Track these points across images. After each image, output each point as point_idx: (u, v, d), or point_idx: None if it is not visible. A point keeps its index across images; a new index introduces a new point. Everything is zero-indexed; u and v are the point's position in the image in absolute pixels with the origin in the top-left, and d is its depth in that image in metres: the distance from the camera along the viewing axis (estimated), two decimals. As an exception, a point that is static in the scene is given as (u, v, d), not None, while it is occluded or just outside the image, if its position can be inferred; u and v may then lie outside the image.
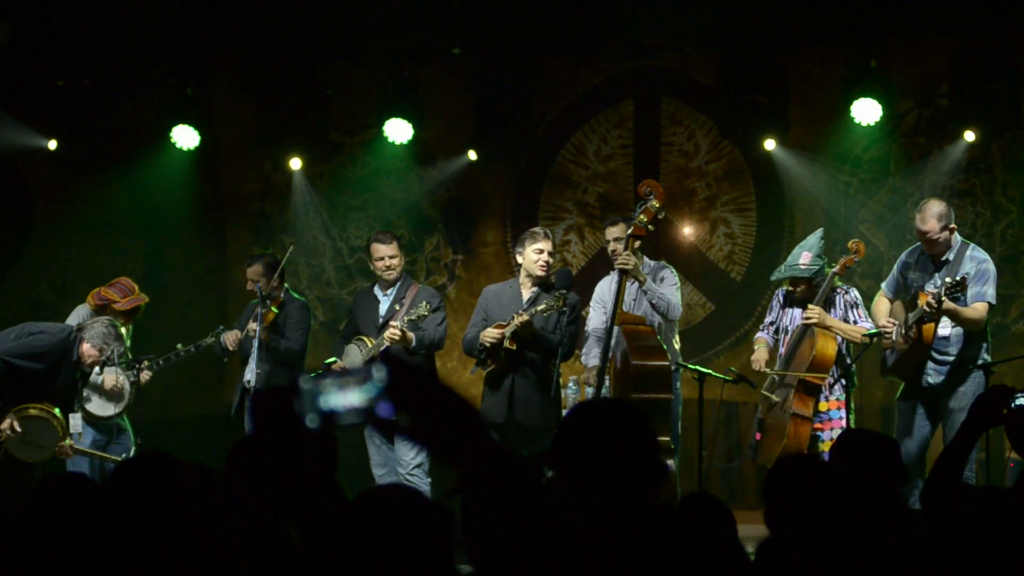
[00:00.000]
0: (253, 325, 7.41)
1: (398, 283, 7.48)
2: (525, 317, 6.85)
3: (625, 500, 2.37)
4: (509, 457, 1.52)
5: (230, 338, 7.62)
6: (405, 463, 7.25)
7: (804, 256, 7.13)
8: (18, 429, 6.93)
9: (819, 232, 7.30)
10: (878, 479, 3.35)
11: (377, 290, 7.57)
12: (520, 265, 7.20)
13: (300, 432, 1.51)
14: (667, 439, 6.69)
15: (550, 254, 7.14)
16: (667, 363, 6.78)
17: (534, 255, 7.08)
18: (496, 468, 1.51)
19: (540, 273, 7.09)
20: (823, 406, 7.04)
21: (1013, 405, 3.49)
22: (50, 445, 7.08)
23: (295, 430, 1.52)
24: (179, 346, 7.72)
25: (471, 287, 9.28)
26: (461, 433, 1.50)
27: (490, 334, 6.97)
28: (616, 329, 6.87)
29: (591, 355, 7.31)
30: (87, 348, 6.99)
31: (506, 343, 6.94)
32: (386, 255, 7.39)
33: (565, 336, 6.91)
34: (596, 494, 2.36)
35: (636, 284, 7.08)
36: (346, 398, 1.48)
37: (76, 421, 7.23)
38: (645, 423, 2.46)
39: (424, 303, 7.23)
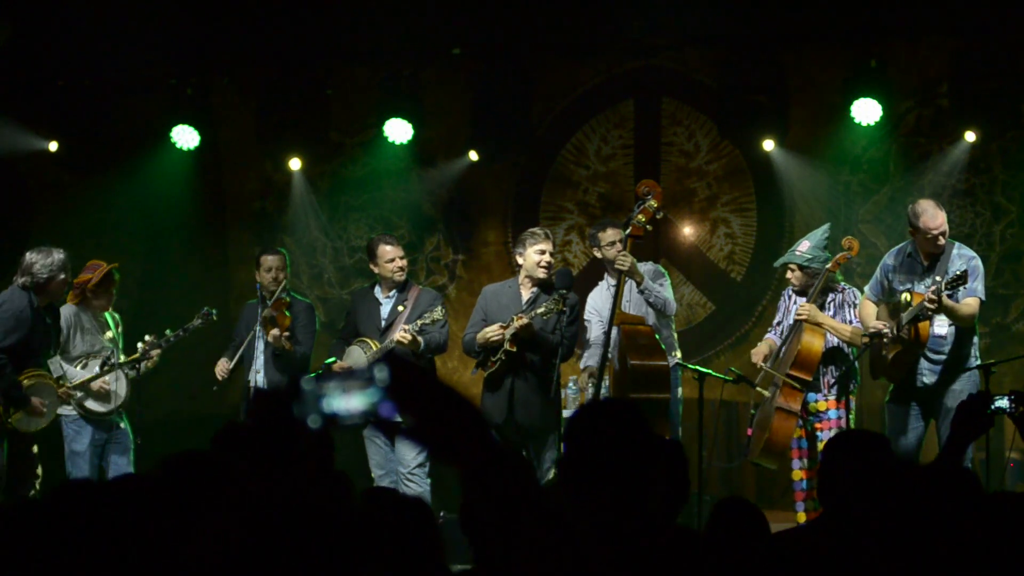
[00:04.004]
0: (275, 331, 7.40)
1: (400, 285, 7.49)
2: (525, 320, 6.85)
3: (636, 503, 2.38)
4: (511, 457, 1.52)
5: (219, 369, 7.65)
6: (406, 464, 7.25)
7: (803, 244, 7.18)
8: (44, 403, 7.10)
9: (826, 226, 7.33)
10: (871, 478, 3.36)
11: (378, 291, 7.56)
12: (520, 266, 7.19)
13: (299, 433, 1.51)
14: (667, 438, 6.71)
15: (551, 254, 7.15)
16: (665, 363, 6.80)
17: (536, 256, 7.07)
18: (497, 468, 1.50)
19: (542, 275, 7.08)
20: (823, 405, 7.04)
21: (993, 409, 3.54)
22: (53, 401, 7.18)
23: (293, 431, 1.52)
24: (168, 332, 7.72)
25: (471, 287, 9.27)
26: (463, 433, 1.49)
27: (491, 332, 6.98)
28: (615, 329, 6.88)
29: (590, 359, 7.33)
30: (53, 285, 7.05)
31: (506, 345, 6.94)
32: (396, 256, 7.41)
33: (565, 336, 6.91)
34: (605, 500, 2.37)
35: (630, 284, 7.09)
36: (348, 399, 1.47)
37: (56, 365, 7.33)
38: (639, 417, 2.49)
39: (439, 307, 7.25)
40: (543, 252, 7.07)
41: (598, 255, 7.35)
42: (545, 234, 7.17)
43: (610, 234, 7.21)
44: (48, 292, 7.15)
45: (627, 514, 2.37)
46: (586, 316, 7.50)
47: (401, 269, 7.43)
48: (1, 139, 9.08)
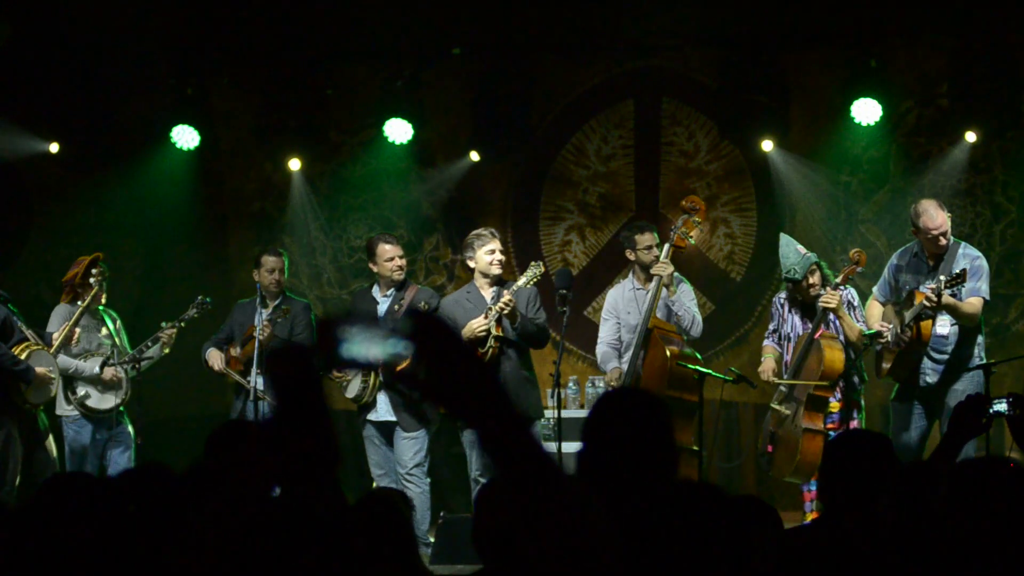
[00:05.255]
0: (267, 330, 7.40)
1: (398, 284, 7.49)
2: (509, 296, 6.93)
3: (642, 487, 2.39)
4: (525, 421, 1.54)
5: (214, 358, 7.55)
6: (404, 464, 7.26)
7: (799, 248, 7.18)
8: (49, 369, 7.13)
9: (782, 236, 7.37)
10: (872, 478, 3.38)
11: (376, 291, 7.57)
12: (472, 269, 7.28)
13: (318, 390, 1.52)
14: (692, 439, 6.86)
15: (501, 252, 7.27)
16: (701, 368, 6.99)
17: (487, 256, 7.19)
18: (510, 430, 1.52)
19: (497, 272, 7.21)
20: (834, 406, 7.05)
21: (991, 412, 3.54)
22: (53, 365, 7.19)
23: (313, 389, 1.52)
24: (163, 324, 7.74)
25: (471, 287, 9.27)
26: (480, 391, 1.50)
27: (475, 324, 6.98)
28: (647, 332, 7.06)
29: (609, 363, 7.35)
30: None
31: (493, 330, 6.99)
32: (396, 255, 7.42)
33: (535, 321, 7.05)
34: (615, 481, 2.38)
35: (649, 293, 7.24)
36: (369, 347, 1.48)
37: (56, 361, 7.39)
38: (665, 410, 2.51)
39: (423, 303, 7.27)
40: (493, 251, 7.21)
41: (630, 257, 7.44)
42: (491, 233, 7.31)
43: (647, 238, 7.35)
44: None
45: (644, 505, 2.38)
46: (603, 315, 7.56)
47: (400, 268, 7.44)
48: (3, 143, 9.05)
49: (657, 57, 9.39)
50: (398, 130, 9.13)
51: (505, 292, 6.98)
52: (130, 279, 9.43)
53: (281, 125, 9.38)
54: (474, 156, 9.34)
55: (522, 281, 7.04)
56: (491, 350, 7.01)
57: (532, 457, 1.52)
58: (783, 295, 7.36)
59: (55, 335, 7.43)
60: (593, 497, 1.57)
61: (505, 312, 6.91)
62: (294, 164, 9.52)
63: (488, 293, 7.20)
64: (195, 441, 3.63)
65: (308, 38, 9.19)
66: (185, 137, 9.27)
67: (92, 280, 7.55)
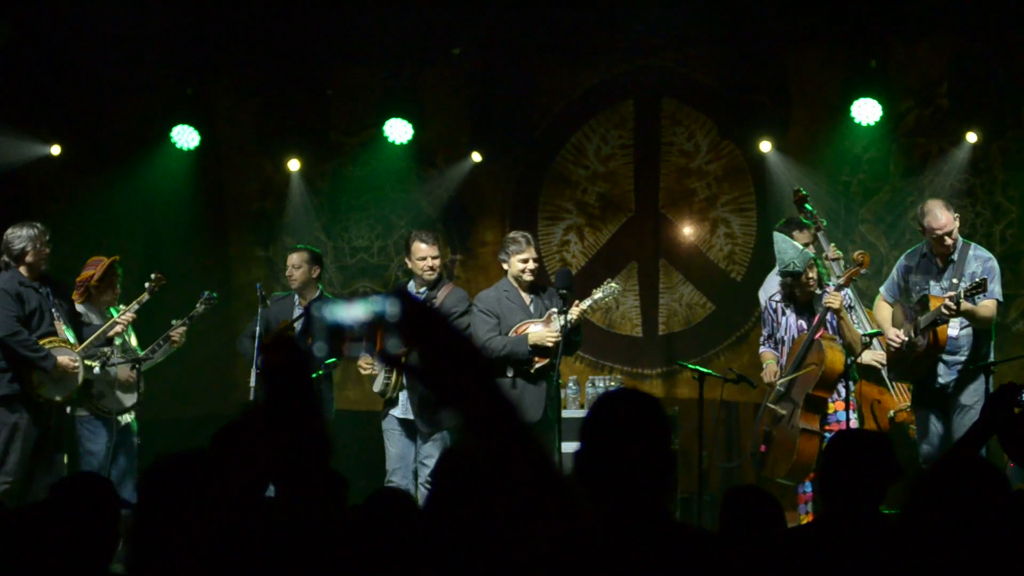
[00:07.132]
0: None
1: (431, 283, 7.49)
2: (584, 306, 7.03)
3: (642, 491, 2.40)
4: (514, 409, 1.54)
5: None
6: (429, 467, 7.17)
7: (796, 244, 7.19)
8: (73, 360, 7.06)
9: (776, 233, 7.37)
10: (872, 477, 3.38)
11: (411, 288, 7.57)
12: (506, 271, 7.34)
13: (308, 382, 1.52)
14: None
15: (535, 260, 7.34)
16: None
17: (520, 264, 7.27)
18: (499, 417, 1.52)
19: (529, 279, 7.29)
20: (830, 408, 7.06)
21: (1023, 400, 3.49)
22: (77, 361, 7.15)
23: (303, 380, 1.52)
24: (173, 322, 7.74)
25: (469, 287, 9.23)
26: (467, 377, 1.50)
27: (549, 335, 7.03)
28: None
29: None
30: (30, 255, 7.07)
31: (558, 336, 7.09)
32: (429, 255, 7.42)
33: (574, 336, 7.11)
34: (612, 482, 2.39)
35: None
36: (349, 309, 1.48)
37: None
38: (662, 411, 2.53)
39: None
40: (526, 260, 7.27)
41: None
42: (526, 240, 7.35)
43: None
44: (28, 264, 7.12)
45: (640, 507, 2.38)
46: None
47: (432, 268, 7.44)
48: (6, 150, 9.04)
49: (657, 57, 9.39)
50: (398, 130, 9.14)
51: (577, 303, 7.02)
52: (130, 279, 9.41)
53: (281, 125, 9.39)
54: (476, 157, 9.35)
55: (597, 296, 7.15)
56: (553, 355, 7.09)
57: (521, 446, 1.52)
58: (776, 297, 7.36)
59: (87, 340, 7.41)
60: (585, 494, 1.57)
61: (584, 315, 7.01)
62: (294, 164, 9.52)
63: (527, 296, 7.31)
64: (199, 442, 3.63)
65: (308, 38, 9.19)
66: (185, 137, 9.27)
67: (109, 293, 7.58)
